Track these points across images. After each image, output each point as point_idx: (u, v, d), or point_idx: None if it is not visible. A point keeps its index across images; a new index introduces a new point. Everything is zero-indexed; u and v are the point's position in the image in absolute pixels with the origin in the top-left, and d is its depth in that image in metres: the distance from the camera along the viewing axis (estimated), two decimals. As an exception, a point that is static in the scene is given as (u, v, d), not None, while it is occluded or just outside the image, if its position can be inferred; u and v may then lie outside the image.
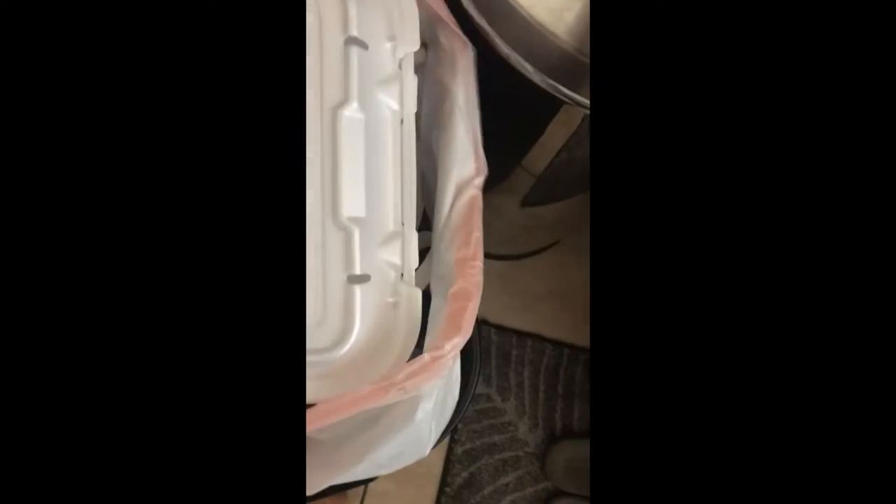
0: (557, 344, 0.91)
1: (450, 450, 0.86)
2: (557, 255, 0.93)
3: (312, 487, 0.31)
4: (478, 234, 0.32)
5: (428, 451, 0.35)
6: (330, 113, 0.30)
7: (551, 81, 0.37)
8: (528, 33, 0.35)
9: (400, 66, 0.33)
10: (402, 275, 0.32)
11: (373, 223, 0.31)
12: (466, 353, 0.36)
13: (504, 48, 0.37)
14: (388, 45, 0.32)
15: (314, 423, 0.28)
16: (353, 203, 0.30)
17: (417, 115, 0.36)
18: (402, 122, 0.33)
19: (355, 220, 0.30)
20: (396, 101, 0.32)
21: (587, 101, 0.37)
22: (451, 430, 0.86)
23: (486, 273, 0.99)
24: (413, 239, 0.32)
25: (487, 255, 0.90)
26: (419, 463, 0.85)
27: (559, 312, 0.92)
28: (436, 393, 0.31)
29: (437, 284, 0.33)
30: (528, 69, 0.37)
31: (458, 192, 0.32)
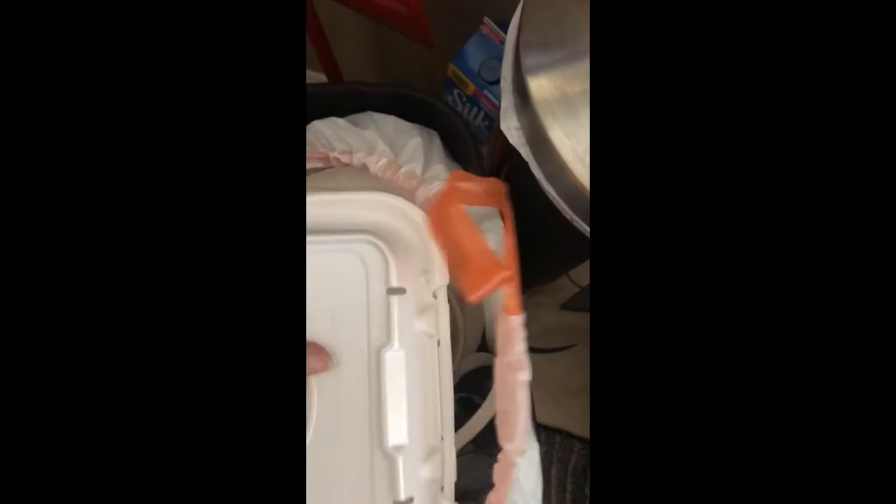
0: (586, 442, 0.90)
1: (475, 550, 0.84)
2: (589, 352, 0.94)
3: None
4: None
5: None
6: (375, 354, 0.36)
7: (572, 215, 0.40)
8: (560, 172, 0.39)
9: (435, 297, 0.38)
10: (443, 488, 0.34)
11: (415, 445, 0.35)
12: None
13: (546, 186, 0.41)
14: (423, 280, 0.38)
15: None
16: (396, 433, 0.34)
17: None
18: (438, 343, 0.37)
19: (398, 448, 0.34)
20: (433, 328, 0.38)
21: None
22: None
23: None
24: (452, 453, 0.36)
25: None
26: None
27: (589, 409, 0.92)
28: None
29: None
30: (564, 207, 0.40)
31: None
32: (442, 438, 0.35)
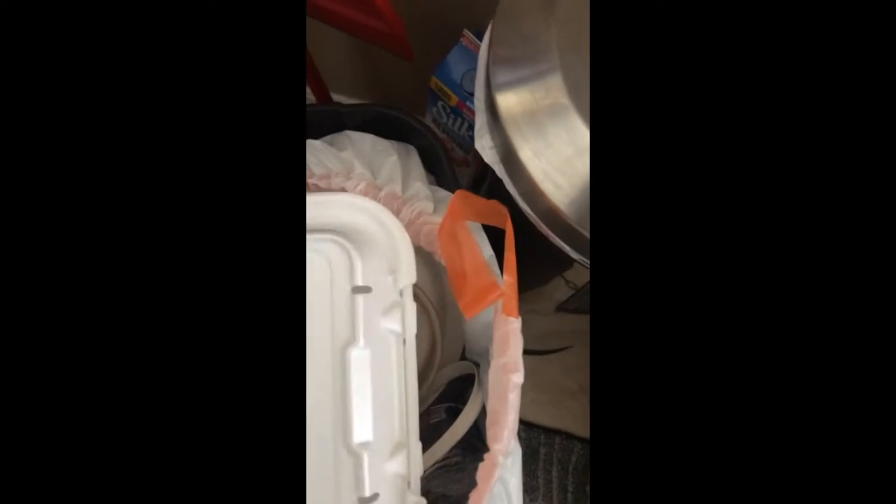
0: (587, 442, 0.90)
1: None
2: (587, 352, 0.94)
3: None
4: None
5: None
6: (340, 352, 0.36)
7: (548, 231, 0.41)
8: (532, 191, 0.39)
9: (401, 295, 0.38)
10: (409, 483, 0.34)
11: (380, 441, 0.35)
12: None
13: (521, 203, 0.41)
14: (390, 279, 0.38)
15: None
16: (361, 430, 0.34)
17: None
18: (404, 342, 0.37)
19: (364, 445, 0.34)
20: (399, 325, 0.38)
21: (569, 249, 0.41)
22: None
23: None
24: (417, 448, 0.36)
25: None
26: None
27: (588, 410, 0.93)
28: None
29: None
30: (539, 224, 0.41)
31: None
32: (408, 434, 0.35)
